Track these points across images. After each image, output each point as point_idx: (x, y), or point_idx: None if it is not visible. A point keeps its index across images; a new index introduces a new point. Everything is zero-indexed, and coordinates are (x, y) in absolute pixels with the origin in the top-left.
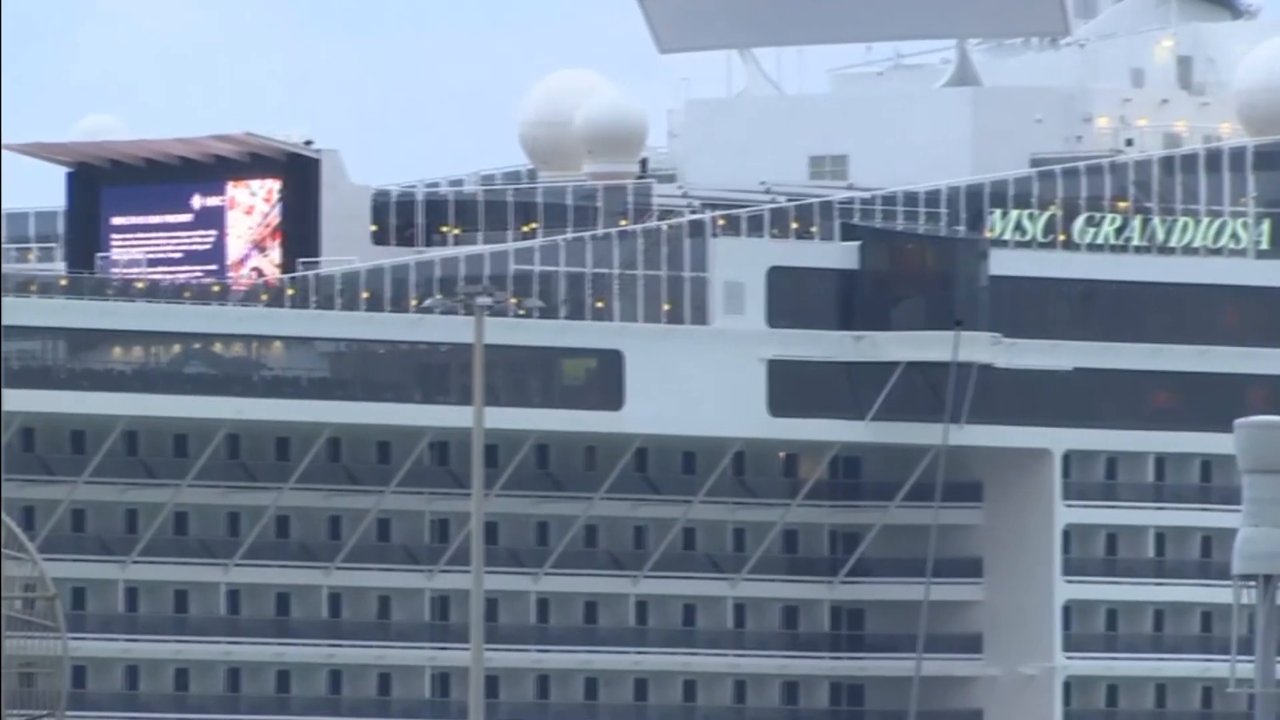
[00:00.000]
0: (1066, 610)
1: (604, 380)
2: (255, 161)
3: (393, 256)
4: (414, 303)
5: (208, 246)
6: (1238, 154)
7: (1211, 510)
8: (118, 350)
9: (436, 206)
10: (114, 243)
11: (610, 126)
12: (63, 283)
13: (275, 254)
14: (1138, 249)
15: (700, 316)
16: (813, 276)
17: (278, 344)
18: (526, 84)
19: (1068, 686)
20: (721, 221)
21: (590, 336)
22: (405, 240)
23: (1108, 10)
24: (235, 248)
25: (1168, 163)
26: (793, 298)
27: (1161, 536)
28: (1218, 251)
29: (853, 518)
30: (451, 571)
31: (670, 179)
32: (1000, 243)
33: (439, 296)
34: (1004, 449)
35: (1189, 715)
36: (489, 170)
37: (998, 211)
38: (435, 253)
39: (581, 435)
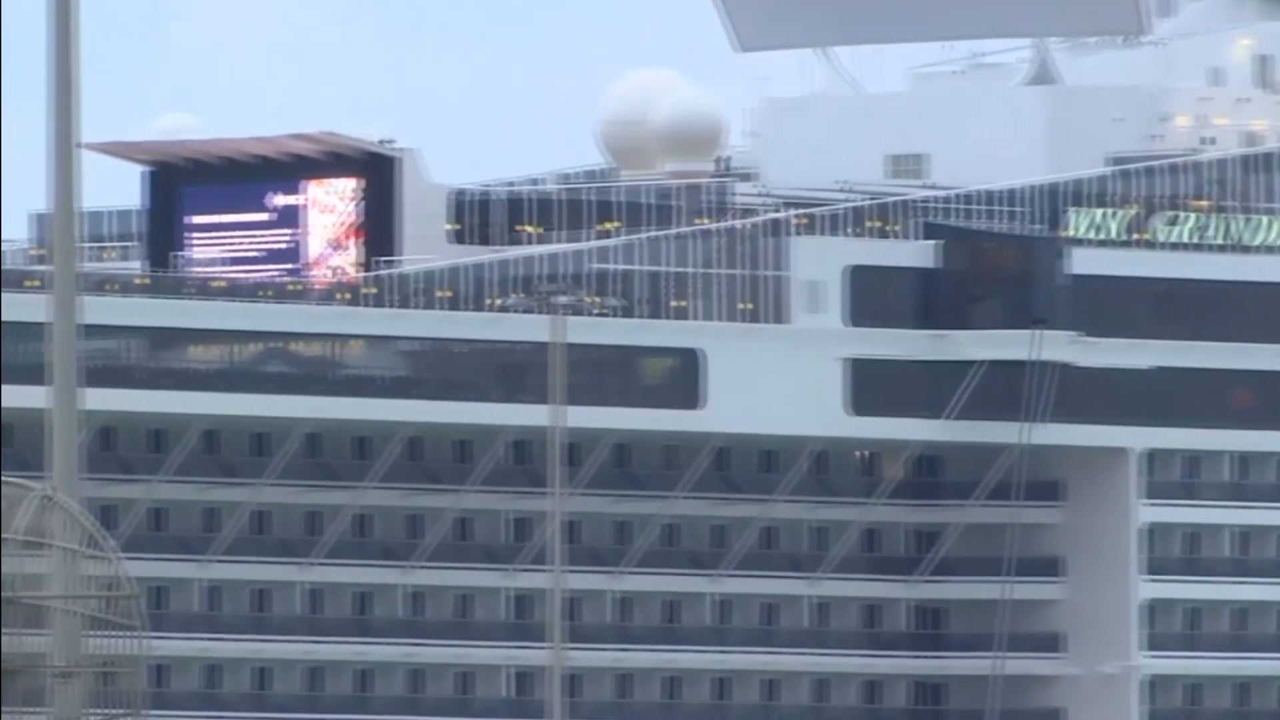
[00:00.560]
0: (1146, 609)
1: (683, 379)
2: (334, 160)
3: (471, 255)
4: (492, 302)
5: (286, 245)
6: None
7: None
8: (197, 349)
9: (515, 205)
10: (192, 242)
11: (688, 126)
12: (142, 281)
13: (354, 253)
14: (1217, 248)
15: (779, 315)
16: (892, 275)
17: (357, 343)
18: (605, 84)
19: (1148, 685)
20: (800, 220)
21: (669, 335)
22: (484, 239)
23: (1186, 9)
24: (314, 247)
25: (1246, 161)
26: (872, 297)
27: (1241, 535)
28: None
29: (932, 517)
30: (531, 571)
31: (749, 178)
32: (1078, 241)
33: (518, 295)
34: (1083, 448)
35: (1270, 714)
36: (567, 169)
37: (1076, 211)
38: (514, 252)
39: (660, 434)
